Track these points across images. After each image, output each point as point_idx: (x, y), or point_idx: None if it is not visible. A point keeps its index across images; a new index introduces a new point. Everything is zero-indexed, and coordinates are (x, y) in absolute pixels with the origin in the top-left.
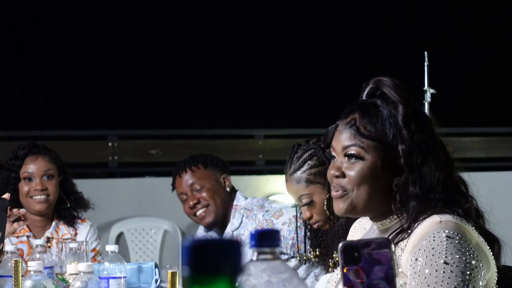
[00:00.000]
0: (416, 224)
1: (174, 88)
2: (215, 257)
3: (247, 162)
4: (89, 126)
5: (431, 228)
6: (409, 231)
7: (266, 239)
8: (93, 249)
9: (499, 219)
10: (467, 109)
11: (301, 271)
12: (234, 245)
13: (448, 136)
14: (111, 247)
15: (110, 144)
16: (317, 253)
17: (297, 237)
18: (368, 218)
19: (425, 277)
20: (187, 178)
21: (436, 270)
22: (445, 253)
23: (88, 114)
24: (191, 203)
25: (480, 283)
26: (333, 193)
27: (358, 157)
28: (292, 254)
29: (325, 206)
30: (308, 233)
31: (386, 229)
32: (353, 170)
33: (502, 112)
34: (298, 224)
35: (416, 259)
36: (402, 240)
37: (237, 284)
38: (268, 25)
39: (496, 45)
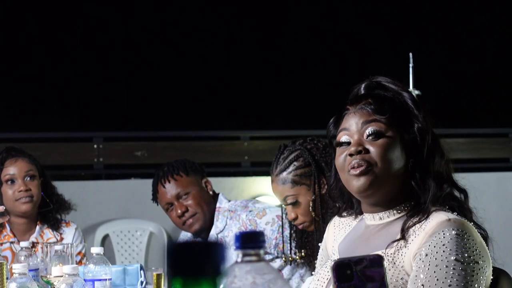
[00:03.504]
0: (425, 218)
1: (159, 89)
2: (198, 259)
3: (232, 163)
4: (74, 128)
5: (441, 226)
6: (426, 217)
7: (251, 240)
8: (79, 253)
9: (484, 219)
10: (452, 110)
11: (286, 271)
12: (217, 247)
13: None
14: (96, 249)
15: (95, 146)
16: (303, 254)
17: (282, 237)
18: (351, 216)
19: (434, 271)
20: (171, 188)
21: (447, 266)
22: (456, 251)
23: (73, 116)
24: (179, 211)
25: (483, 282)
26: (353, 171)
27: (379, 133)
28: (276, 254)
29: (310, 208)
30: (294, 234)
31: (384, 224)
32: (376, 145)
33: (488, 113)
34: (283, 225)
35: (426, 255)
36: (401, 238)
37: (221, 286)
38: (255, 27)
39: (481, 46)
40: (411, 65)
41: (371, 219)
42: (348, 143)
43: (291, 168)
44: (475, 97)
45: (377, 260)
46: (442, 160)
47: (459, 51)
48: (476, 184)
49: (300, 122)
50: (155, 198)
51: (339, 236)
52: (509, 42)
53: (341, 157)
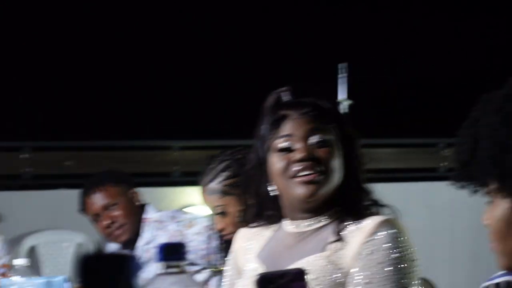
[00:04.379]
0: (356, 223)
1: (89, 99)
2: (109, 271)
3: (163, 173)
4: (2, 138)
5: (380, 225)
6: (356, 223)
7: (173, 252)
8: (4, 265)
9: (412, 228)
10: (381, 120)
11: (214, 283)
12: (128, 260)
13: (362, 147)
14: (20, 261)
15: (23, 155)
16: None
17: (210, 248)
18: (260, 227)
19: (379, 269)
20: (98, 198)
21: (390, 264)
22: (397, 249)
23: (1, 125)
24: (106, 223)
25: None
26: (301, 178)
27: (325, 141)
28: (204, 265)
29: (239, 218)
30: (222, 245)
31: (313, 230)
32: (324, 153)
33: (416, 123)
34: (211, 235)
35: (371, 252)
36: (338, 240)
37: None
38: (182, 35)
39: (411, 57)
40: (342, 75)
41: (296, 226)
42: (290, 150)
43: (220, 178)
44: (403, 107)
45: (300, 274)
46: (364, 169)
47: (389, 61)
48: (404, 193)
49: (230, 132)
50: (82, 209)
51: (254, 247)
52: (438, 54)
53: (282, 163)
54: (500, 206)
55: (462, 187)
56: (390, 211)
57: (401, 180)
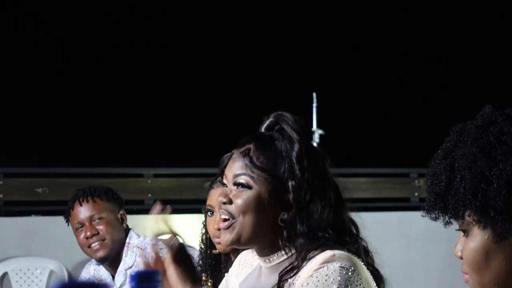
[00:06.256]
0: (306, 262)
1: (60, 125)
2: None
3: (136, 201)
4: None
5: (325, 260)
6: (298, 269)
7: (146, 280)
8: None
9: (384, 259)
10: (355, 150)
11: None
12: None
13: (336, 177)
14: None
15: None
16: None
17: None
18: (254, 253)
19: None
20: (87, 208)
21: None
22: (339, 282)
23: None
24: (88, 233)
25: None
26: (221, 224)
27: (246, 186)
28: None
29: None
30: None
31: (274, 266)
32: (239, 198)
33: (389, 153)
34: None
35: (307, 283)
36: (291, 277)
37: None
38: (153, 58)
39: (383, 88)
40: (314, 104)
41: (262, 261)
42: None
43: None
44: (376, 137)
45: None
46: (326, 208)
47: (362, 92)
48: (377, 224)
49: (203, 160)
50: (68, 215)
51: (242, 274)
52: (410, 83)
53: (217, 199)
54: (478, 237)
55: (435, 218)
56: (351, 245)
57: (375, 210)
